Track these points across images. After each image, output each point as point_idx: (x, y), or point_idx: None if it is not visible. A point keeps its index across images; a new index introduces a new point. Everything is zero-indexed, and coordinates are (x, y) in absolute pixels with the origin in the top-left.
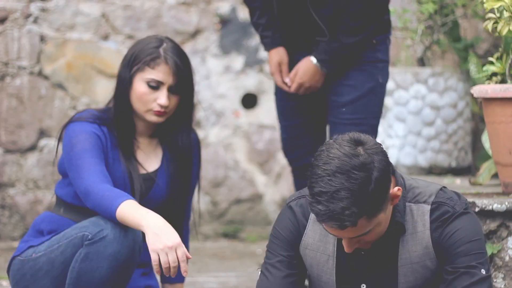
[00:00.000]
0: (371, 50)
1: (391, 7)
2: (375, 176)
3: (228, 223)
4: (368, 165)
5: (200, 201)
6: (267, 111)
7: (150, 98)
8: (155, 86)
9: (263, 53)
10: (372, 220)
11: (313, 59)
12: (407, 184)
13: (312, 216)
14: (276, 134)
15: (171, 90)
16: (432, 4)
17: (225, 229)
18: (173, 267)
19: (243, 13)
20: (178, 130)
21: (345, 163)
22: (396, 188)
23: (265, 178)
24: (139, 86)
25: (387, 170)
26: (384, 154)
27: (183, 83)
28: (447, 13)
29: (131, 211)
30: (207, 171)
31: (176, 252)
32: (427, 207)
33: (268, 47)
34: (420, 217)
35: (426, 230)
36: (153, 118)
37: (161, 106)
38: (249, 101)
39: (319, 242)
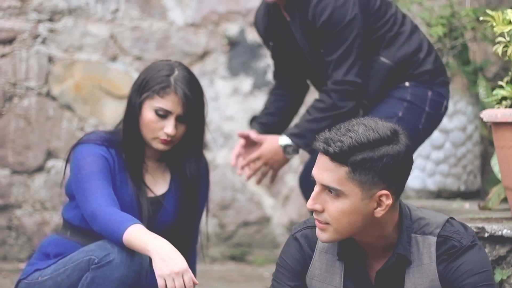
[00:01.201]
0: (402, 90)
1: None
2: (387, 150)
3: (235, 246)
4: (392, 142)
5: (208, 224)
6: None
7: (158, 126)
8: (163, 115)
9: (271, 75)
10: (349, 181)
11: (280, 140)
12: (413, 214)
13: (318, 246)
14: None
15: (179, 119)
16: (442, 27)
17: (233, 252)
18: None
19: (252, 35)
20: (187, 157)
21: (377, 125)
22: (386, 193)
23: (272, 201)
24: (148, 113)
25: (397, 168)
26: (409, 155)
27: (191, 113)
28: (457, 36)
29: (138, 235)
30: (214, 193)
31: (183, 278)
32: (433, 239)
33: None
34: (426, 249)
35: (432, 262)
36: (159, 146)
37: (168, 135)
38: None
39: (325, 273)
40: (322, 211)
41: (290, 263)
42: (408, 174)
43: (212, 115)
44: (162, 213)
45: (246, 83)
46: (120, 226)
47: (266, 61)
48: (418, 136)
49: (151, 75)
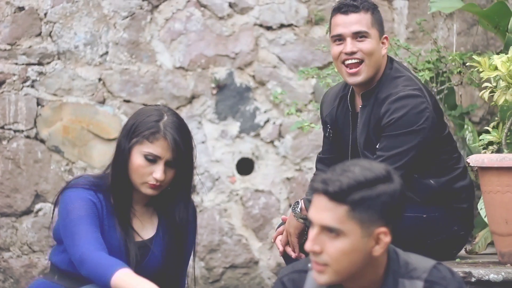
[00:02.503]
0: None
1: None
2: (383, 189)
3: None
4: (387, 181)
5: (195, 267)
6: (262, 176)
7: (146, 171)
8: (152, 159)
9: (259, 118)
10: (349, 220)
11: (293, 210)
12: (401, 258)
13: None
14: (271, 200)
15: (168, 164)
16: (428, 72)
17: None
18: None
19: (240, 78)
20: (175, 202)
21: (370, 166)
22: (384, 230)
23: (260, 244)
24: (137, 158)
25: (393, 207)
26: (404, 194)
27: (180, 158)
28: (443, 80)
29: (126, 279)
30: (202, 236)
31: None
32: (420, 284)
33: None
34: None
35: None
36: (148, 190)
37: (156, 180)
38: (245, 166)
39: None
40: (321, 253)
41: None
42: (403, 212)
43: (200, 158)
44: (150, 257)
45: (233, 126)
46: (108, 270)
47: (254, 105)
48: None
49: (140, 120)
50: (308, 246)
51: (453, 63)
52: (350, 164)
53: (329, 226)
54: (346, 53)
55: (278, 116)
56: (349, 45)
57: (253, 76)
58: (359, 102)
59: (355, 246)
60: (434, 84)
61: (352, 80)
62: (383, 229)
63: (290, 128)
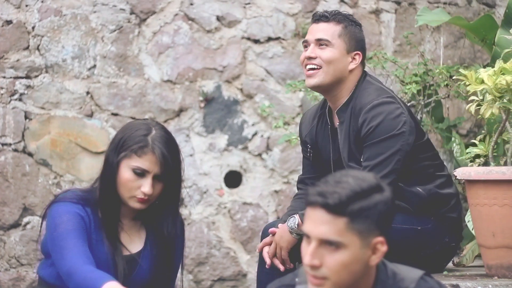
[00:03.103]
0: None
1: None
2: (377, 198)
3: None
4: (379, 189)
5: (183, 280)
6: (250, 189)
7: (135, 185)
8: (140, 173)
9: (246, 131)
10: (348, 232)
11: (288, 223)
12: (388, 269)
13: None
14: (259, 213)
15: (156, 178)
16: (416, 85)
17: None
18: None
19: (228, 92)
20: (163, 216)
21: (362, 176)
22: (381, 239)
23: (248, 257)
24: (125, 172)
25: (387, 215)
26: (394, 203)
27: (168, 172)
28: (430, 93)
29: None
30: (190, 249)
31: None
32: None
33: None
34: None
35: None
36: (136, 204)
37: (145, 194)
38: (233, 179)
39: None
40: (320, 266)
41: None
42: (392, 221)
43: (188, 171)
44: (138, 271)
45: (221, 139)
46: (96, 283)
47: (242, 118)
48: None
49: (128, 135)
50: (307, 260)
51: (440, 76)
52: (341, 175)
53: (329, 239)
54: (306, 57)
55: (266, 129)
56: (309, 50)
57: (241, 89)
58: (336, 119)
59: (355, 258)
60: (421, 97)
61: (307, 82)
62: (380, 238)
63: (278, 141)
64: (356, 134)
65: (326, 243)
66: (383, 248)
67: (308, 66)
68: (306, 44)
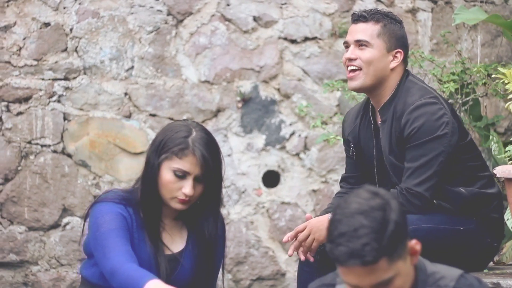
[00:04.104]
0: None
1: None
2: (393, 217)
3: None
4: (386, 206)
5: (224, 280)
6: (288, 189)
7: (175, 186)
8: (181, 175)
9: (284, 131)
10: (392, 264)
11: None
12: (428, 268)
13: None
14: (298, 212)
15: (197, 179)
16: (453, 83)
17: None
18: None
19: (265, 92)
20: (204, 216)
21: (364, 204)
22: (414, 241)
23: (287, 256)
24: (166, 174)
25: (404, 217)
26: (399, 202)
27: (209, 173)
28: (468, 92)
29: None
30: (229, 249)
31: None
32: None
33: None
34: None
35: None
36: (177, 205)
37: (186, 195)
38: (271, 178)
39: None
40: None
41: None
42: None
43: (226, 171)
44: (180, 271)
45: (259, 139)
46: (139, 282)
47: (279, 117)
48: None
49: (169, 137)
50: None
51: (478, 75)
52: (348, 218)
53: (377, 284)
54: (347, 59)
55: (304, 129)
56: (349, 52)
57: (278, 89)
58: (378, 118)
59: (404, 274)
60: (459, 96)
61: (349, 85)
62: (413, 241)
63: (316, 141)
64: (399, 135)
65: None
66: (418, 247)
67: (349, 68)
68: (346, 45)
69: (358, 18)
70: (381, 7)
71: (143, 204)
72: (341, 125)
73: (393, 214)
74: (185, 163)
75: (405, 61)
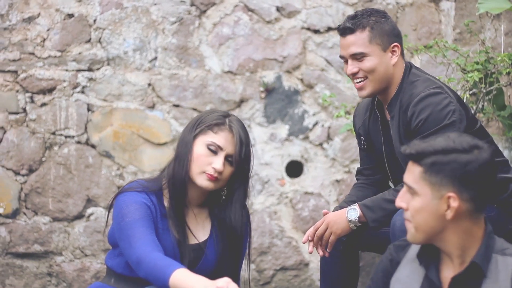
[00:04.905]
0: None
1: (436, 75)
2: (463, 157)
3: None
4: (470, 151)
5: (249, 270)
6: (312, 179)
7: (207, 160)
8: (214, 150)
9: (307, 121)
10: (421, 180)
11: (348, 214)
12: (496, 238)
13: (407, 255)
14: (321, 202)
15: (228, 160)
16: (477, 73)
17: None
18: None
19: (288, 82)
20: (230, 204)
21: None
22: (453, 194)
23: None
24: (199, 147)
25: (482, 173)
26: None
27: (240, 156)
28: (492, 81)
29: (183, 279)
30: (252, 239)
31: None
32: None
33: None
34: (505, 268)
35: (508, 281)
36: (204, 182)
37: (215, 171)
38: (294, 168)
39: (407, 278)
40: (406, 209)
41: (381, 266)
42: (485, 187)
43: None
44: (204, 261)
45: (282, 129)
46: (166, 271)
47: (303, 108)
48: None
49: (206, 115)
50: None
51: (502, 64)
52: (443, 134)
53: (407, 184)
54: (350, 74)
55: (327, 119)
56: (350, 67)
57: (301, 79)
58: (387, 113)
59: (426, 206)
60: (483, 85)
61: (359, 94)
62: (452, 194)
63: (340, 131)
64: (406, 128)
65: (410, 188)
66: (455, 204)
67: (355, 80)
68: (343, 59)
69: (345, 31)
70: None
71: (170, 186)
72: (352, 119)
73: (461, 157)
74: (220, 138)
75: (403, 52)
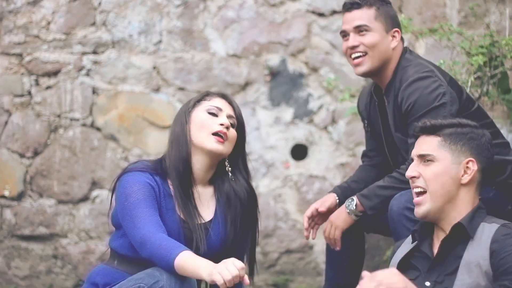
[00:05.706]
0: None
1: (441, 59)
2: (475, 130)
3: (278, 274)
4: (478, 128)
5: (255, 251)
6: (316, 162)
7: (211, 122)
8: (214, 113)
9: (312, 104)
10: (440, 148)
11: (347, 205)
12: (489, 216)
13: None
14: (326, 185)
15: (229, 120)
16: (482, 56)
17: (275, 280)
18: (234, 276)
19: (293, 65)
20: (234, 180)
21: None
22: (472, 159)
23: None
24: (199, 115)
25: (487, 148)
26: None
27: (240, 114)
28: (496, 64)
29: (189, 261)
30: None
31: (233, 263)
32: (497, 226)
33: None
34: (488, 230)
35: (488, 239)
36: (214, 145)
37: (223, 126)
38: (299, 151)
39: (404, 245)
40: (419, 177)
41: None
42: (491, 162)
43: (254, 144)
44: (208, 241)
45: (287, 112)
46: (171, 252)
47: (307, 91)
48: None
49: (194, 96)
50: (407, 173)
51: (507, 48)
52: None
53: (423, 154)
54: (350, 48)
55: (331, 102)
56: (351, 40)
57: (306, 63)
58: (384, 98)
59: (446, 171)
60: (487, 69)
61: (356, 71)
62: (471, 159)
63: (344, 114)
64: (399, 111)
65: (425, 156)
66: (474, 167)
67: (354, 55)
68: (345, 34)
69: (352, 6)
70: None
71: (172, 169)
72: (357, 102)
73: (474, 130)
74: (215, 101)
75: (402, 39)
